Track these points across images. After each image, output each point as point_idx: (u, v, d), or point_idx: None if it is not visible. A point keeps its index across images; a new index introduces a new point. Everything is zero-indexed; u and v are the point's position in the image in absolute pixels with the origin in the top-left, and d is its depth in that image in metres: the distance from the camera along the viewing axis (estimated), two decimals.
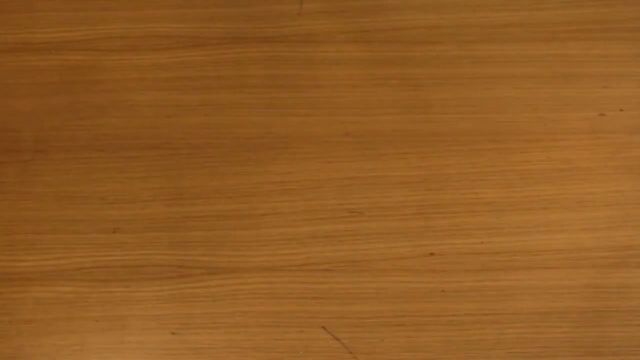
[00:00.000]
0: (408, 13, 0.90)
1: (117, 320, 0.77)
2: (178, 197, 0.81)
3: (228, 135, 0.83)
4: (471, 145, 0.83)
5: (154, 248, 0.79)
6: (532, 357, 0.75)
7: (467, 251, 0.79)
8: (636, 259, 0.78)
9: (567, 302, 0.77)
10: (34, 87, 0.86)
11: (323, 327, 0.76)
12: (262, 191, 0.81)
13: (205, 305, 0.77)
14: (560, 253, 0.78)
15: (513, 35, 0.87)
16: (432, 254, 0.79)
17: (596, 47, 0.87)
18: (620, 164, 0.82)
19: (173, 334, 0.76)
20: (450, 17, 0.88)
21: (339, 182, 0.81)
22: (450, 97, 0.85)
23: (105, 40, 0.88)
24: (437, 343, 0.75)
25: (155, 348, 0.76)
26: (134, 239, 0.79)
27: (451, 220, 0.80)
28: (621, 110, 0.84)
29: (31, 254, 0.79)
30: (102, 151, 0.83)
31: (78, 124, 0.84)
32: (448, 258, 0.78)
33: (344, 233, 0.79)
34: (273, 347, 0.75)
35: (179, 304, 0.77)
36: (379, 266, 0.78)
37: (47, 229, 0.80)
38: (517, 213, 0.80)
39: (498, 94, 0.85)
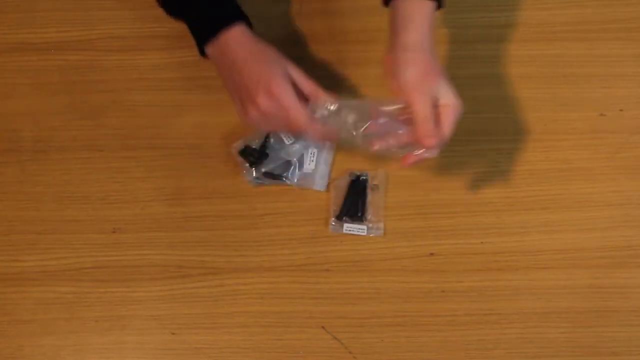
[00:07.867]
0: None
1: (117, 320, 0.77)
2: (178, 197, 0.81)
3: (228, 135, 0.83)
4: (471, 145, 0.83)
5: (154, 248, 0.79)
6: (532, 357, 0.75)
7: (467, 251, 0.79)
8: (636, 259, 0.78)
9: (567, 302, 0.77)
10: (34, 87, 0.86)
11: (323, 327, 0.76)
12: (262, 191, 0.81)
13: (205, 305, 0.77)
14: (560, 253, 0.78)
15: (513, 35, 0.87)
16: (432, 254, 0.79)
17: (596, 47, 0.87)
18: (620, 164, 0.82)
19: (173, 334, 0.76)
20: (451, 17, 0.88)
21: None
22: None
23: (105, 40, 0.88)
24: (437, 343, 0.75)
25: (155, 348, 0.76)
26: (134, 239, 0.79)
27: (451, 220, 0.80)
28: (621, 110, 0.84)
29: (31, 254, 0.79)
30: (102, 151, 0.83)
31: (78, 124, 0.84)
32: (448, 258, 0.78)
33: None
34: (273, 347, 0.76)
35: (179, 304, 0.77)
36: (379, 266, 0.78)
37: (47, 229, 0.80)
38: (517, 213, 0.80)
39: (498, 94, 0.85)
